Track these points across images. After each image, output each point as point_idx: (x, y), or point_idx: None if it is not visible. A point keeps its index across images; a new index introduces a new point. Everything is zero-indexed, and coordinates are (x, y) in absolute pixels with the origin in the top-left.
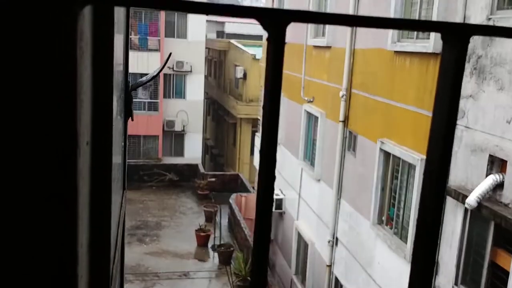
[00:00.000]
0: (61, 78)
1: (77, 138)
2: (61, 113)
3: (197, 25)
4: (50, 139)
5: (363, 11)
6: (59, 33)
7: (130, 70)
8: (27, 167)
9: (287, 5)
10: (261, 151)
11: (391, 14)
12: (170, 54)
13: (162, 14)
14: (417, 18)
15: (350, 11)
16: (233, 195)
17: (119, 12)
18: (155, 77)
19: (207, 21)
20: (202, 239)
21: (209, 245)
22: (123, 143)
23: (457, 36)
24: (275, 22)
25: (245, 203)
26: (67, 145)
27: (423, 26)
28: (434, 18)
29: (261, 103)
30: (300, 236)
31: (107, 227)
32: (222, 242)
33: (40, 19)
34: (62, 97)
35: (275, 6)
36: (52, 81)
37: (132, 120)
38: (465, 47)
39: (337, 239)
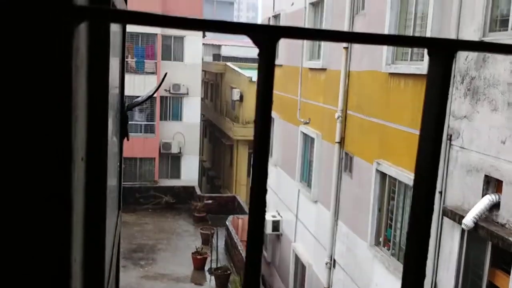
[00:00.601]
0: (56, 93)
1: (72, 153)
2: (56, 127)
3: (194, 48)
4: (45, 152)
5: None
6: (55, 48)
7: (127, 93)
8: (23, 179)
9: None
10: (253, 164)
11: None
12: (166, 73)
13: (159, 37)
14: None
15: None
16: (230, 217)
17: (115, 35)
18: (151, 97)
19: (203, 44)
20: (199, 262)
21: (206, 268)
22: (118, 163)
23: (442, 51)
24: (266, 37)
25: (242, 225)
26: (62, 159)
27: (410, 42)
28: None
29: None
30: (297, 258)
31: (101, 244)
32: (219, 265)
33: (36, 34)
34: (57, 112)
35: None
36: (47, 96)
37: (128, 140)
38: (451, 62)
39: (334, 261)
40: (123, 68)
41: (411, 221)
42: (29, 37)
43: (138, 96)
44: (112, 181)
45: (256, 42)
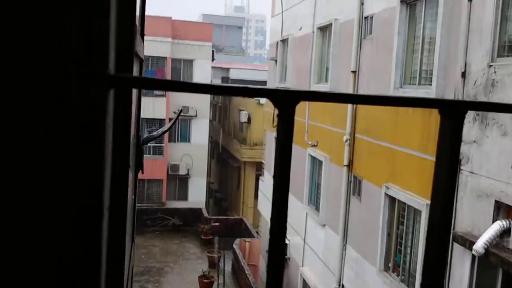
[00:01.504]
0: (92, 152)
1: (102, 207)
2: (90, 186)
3: (203, 71)
4: (77, 209)
5: (365, 60)
6: (91, 112)
7: None
8: (61, 232)
9: (290, 59)
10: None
11: (393, 61)
12: (181, 110)
13: (168, 61)
14: (418, 65)
15: (352, 61)
16: (237, 240)
17: (137, 67)
18: (166, 132)
19: (212, 67)
20: (206, 286)
21: None
22: (133, 196)
23: (453, 112)
24: (285, 101)
25: (249, 249)
26: (94, 212)
27: (421, 103)
28: (435, 65)
29: (265, 147)
30: (305, 283)
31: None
32: None
33: (75, 100)
34: (92, 171)
35: (279, 53)
36: (84, 157)
37: (143, 173)
38: (461, 122)
39: (343, 286)
40: (140, 99)
41: (426, 258)
42: (69, 103)
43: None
44: (128, 216)
45: (276, 105)
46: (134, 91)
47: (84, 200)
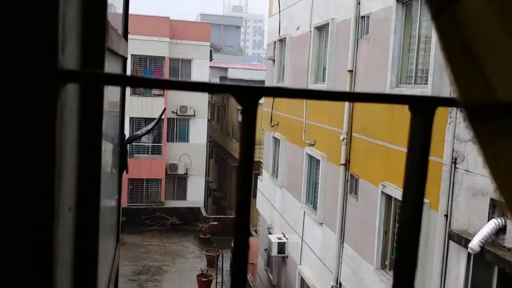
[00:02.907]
0: (38, 152)
1: (53, 205)
2: (38, 179)
3: (201, 70)
4: (27, 205)
5: (362, 59)
6: (38, 109)
7: (136, 115)
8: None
9: (288, 58)
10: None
11: (389, 61)
12: (165, 109)
13: (167, 60)
14: (414, 64)
15: (349, 60)
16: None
17: (115, 65)
18: (150, 131)
19: (210, 67)
20: (204, 285)
21: None
22: (117, 197)
23: (424, 108)
24: (247, 97)
25: None
26: (43, 213)
27: (392, 99)
28: (431, 64)
29: (262, 146)
30: (303, 281)
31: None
32: None
33: (22, 95)
34: (39, 170)
35: (276, 53)
36: (30, 154)
37: (127, 173)
38: (431, 117)
39: (340, 284)
40: (124, 99)
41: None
42: (15, 97)
43: (146, 118)
44: (109, 215)
45: (239, 100)
46: (113, 89)
47: (31, 200)
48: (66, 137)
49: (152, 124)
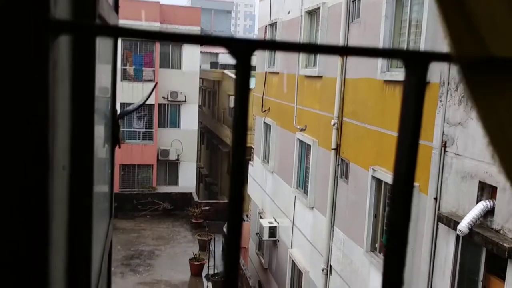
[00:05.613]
0: (31, 104)
1: (48, 161)
2: (31, 135)
3: (191, 56)
4: (20, 162)
5: (353, 44)
6: (30, 61)
7: (126, 100)
8: None
9: (279, 37)
10: (231, 174)
11: (380, 45)
12: (156, 83)
13: (157, 45)
14: (405, 48)
15: (340, 42)
16: (227, 224)
17: (105, 43)
18: (142, 106)
19: (201, 52)
20: (196, 269)
21: (203, 274)
22: (110, 171)
23: (417, 62)
24: (241, 50)
25: None
26: (38, 168)
27: (385, 53)
28: (422, 46)
29: (254, 132)
30: (294, 265)
31: (87, 253)
32: (216, 271)
33: (13, 45)
34: (32, 121)
35: (267, 37)
36: (23, 106)
37: (120, 147)
38: (425, 73)
39: (331, 267)
40: (115, 75)
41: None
42: (7, 48)
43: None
44: (102, 188)
45: (233, 54)
46: (105, 66)
47: (26, 156)
48: (57, 91)
49: (144, 99)
